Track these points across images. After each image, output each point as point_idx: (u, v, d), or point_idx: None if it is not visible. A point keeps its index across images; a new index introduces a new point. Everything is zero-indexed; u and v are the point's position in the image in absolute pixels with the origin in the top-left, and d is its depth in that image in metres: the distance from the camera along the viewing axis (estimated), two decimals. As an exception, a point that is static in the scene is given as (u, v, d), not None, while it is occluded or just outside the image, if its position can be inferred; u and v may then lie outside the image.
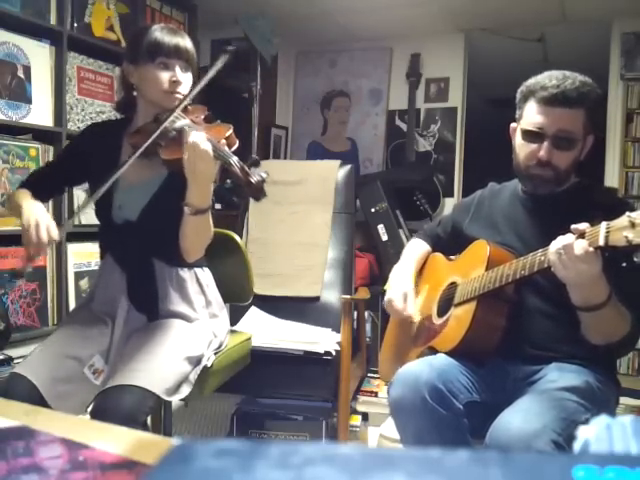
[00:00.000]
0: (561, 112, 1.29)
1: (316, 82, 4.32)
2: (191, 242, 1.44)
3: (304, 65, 4.38)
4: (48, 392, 1.28)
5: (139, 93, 1.48)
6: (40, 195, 1.45)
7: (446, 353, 1.35)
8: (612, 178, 3.57)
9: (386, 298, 1.55)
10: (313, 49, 4.29)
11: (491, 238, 1.43)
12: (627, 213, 0.99)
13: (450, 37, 3.91)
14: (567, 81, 1.29)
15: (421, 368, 1.27)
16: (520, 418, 1.11)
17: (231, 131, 1.38)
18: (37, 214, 1.32)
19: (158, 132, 1.35)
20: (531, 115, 1.33)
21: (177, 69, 1.43)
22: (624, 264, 1.06)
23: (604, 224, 1.04)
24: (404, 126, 4.06)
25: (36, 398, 1.25)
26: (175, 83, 1.42)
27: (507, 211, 1.46)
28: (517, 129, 1.39)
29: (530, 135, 1.33)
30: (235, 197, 1.30)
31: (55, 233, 1.31)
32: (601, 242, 1.03)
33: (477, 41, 3.93)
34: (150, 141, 1.35)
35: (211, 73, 1.39)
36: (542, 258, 1.18)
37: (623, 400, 2.41)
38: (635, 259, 1.00)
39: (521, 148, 1.37)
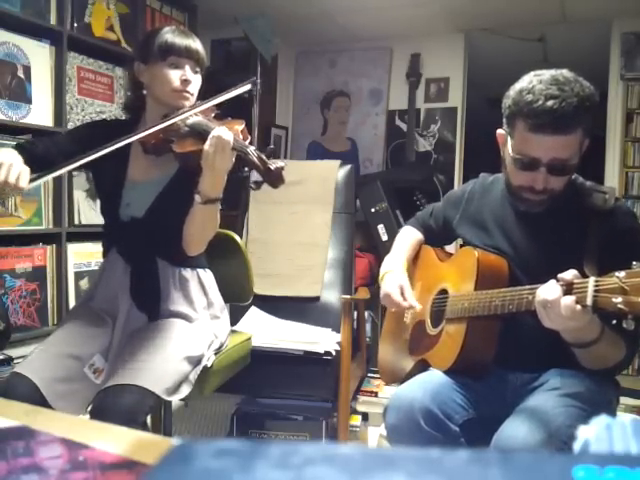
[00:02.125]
0: (556, 140, 1.15)
1: (316, 82, 4.31)
2: (196, 233, 1.44)
3: (304, 65, 4.37)
4: (48, 392, 1.28)
5: (148, 92, 1.49)
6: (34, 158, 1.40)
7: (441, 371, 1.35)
8: (612, 178, 3.57)
9: (382, 292, 1.51)
10: (313, 49, 4.28)
11: (481, 241, 1.41)
12: (616, 274, 0.93)
13: (450, 37, 3.91)
14: (563, 102, 1.12)
15: (415, 392, 1.25)
16: (525, 428, 1.10)
17: (244, 125, 1.42)
18: (11, 158, 1.26)
19: (171, 121, 1.38)
20: (522, 142, 1.20)
21: (187, 68, 1.45)
22: (614, 322, 1.01)
23: (592, 281, 0.98)
24: (404, 126, 4.06)
25: (36, 398, 1.25)
26: (185, 82, 1.44)
27: (496, 212, 1.42)
28: (506, 144, 1.27)
29: (522, 163, 1.21)
30: (252, 185, 1.33)
31: (23, 182, 1.24)
32: (589, 302, 0.97)
33: (477, 41, 3.93)
34: (162, 127, 1.37)
35: (231, 94, 1.44)
36: (530, 297, 1.13)
37: (623, 400, 2.41)
38: (624, 325, 0.94)
39: (513, 174, 1.26)
